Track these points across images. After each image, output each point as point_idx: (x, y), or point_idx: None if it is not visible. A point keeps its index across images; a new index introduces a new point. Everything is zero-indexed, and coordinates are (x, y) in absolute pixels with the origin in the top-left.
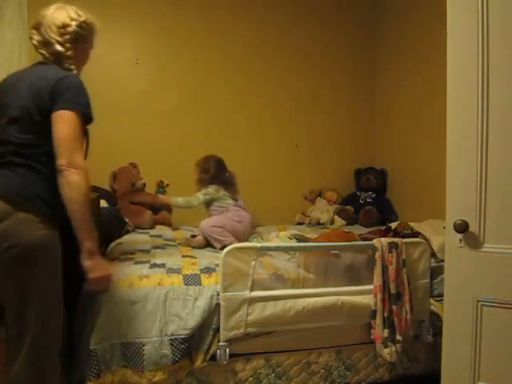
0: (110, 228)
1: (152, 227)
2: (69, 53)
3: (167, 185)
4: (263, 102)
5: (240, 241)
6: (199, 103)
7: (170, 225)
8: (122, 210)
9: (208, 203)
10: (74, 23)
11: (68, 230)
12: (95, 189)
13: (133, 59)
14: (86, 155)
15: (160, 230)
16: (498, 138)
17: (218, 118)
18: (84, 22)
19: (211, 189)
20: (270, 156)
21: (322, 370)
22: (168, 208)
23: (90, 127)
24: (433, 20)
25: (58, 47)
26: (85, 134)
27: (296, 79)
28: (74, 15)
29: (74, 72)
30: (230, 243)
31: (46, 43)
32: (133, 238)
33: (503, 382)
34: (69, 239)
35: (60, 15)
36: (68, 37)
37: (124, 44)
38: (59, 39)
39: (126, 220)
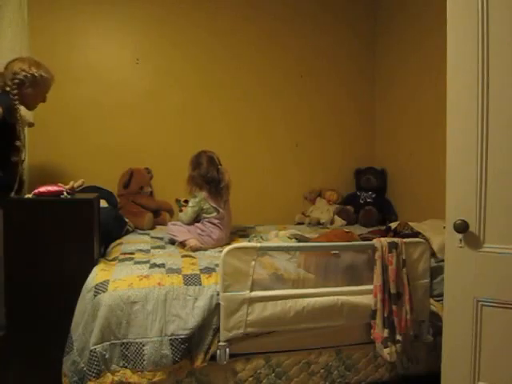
0: (110, 228)
1: (152, 228)
2: (13, 91)
3: (185, 201)
4: (263, 102)
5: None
6: (200, 103)
7: None
8: (122, 210)
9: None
10: (22, 73)
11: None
12: (95, 189)
13: (133, 59)
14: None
15: (160, 230)
16: (498, 138)
17: (218, 118)
18: (32, 74)
19: (198, 198)
20: (271, 156)
21: (322, 370)
22: (169, 210)
23: (90, 128)
24: (436, 25)
25: (6, 87)
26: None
27: (298, 79)
28: (25, 67)
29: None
30: (186, 240)
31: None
32: (133, 238)
33: (503, 382)
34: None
35: (16, 65)
36: (16, 81)
37: (124, 44)
38: (8, 82)
39: (126, 220)
